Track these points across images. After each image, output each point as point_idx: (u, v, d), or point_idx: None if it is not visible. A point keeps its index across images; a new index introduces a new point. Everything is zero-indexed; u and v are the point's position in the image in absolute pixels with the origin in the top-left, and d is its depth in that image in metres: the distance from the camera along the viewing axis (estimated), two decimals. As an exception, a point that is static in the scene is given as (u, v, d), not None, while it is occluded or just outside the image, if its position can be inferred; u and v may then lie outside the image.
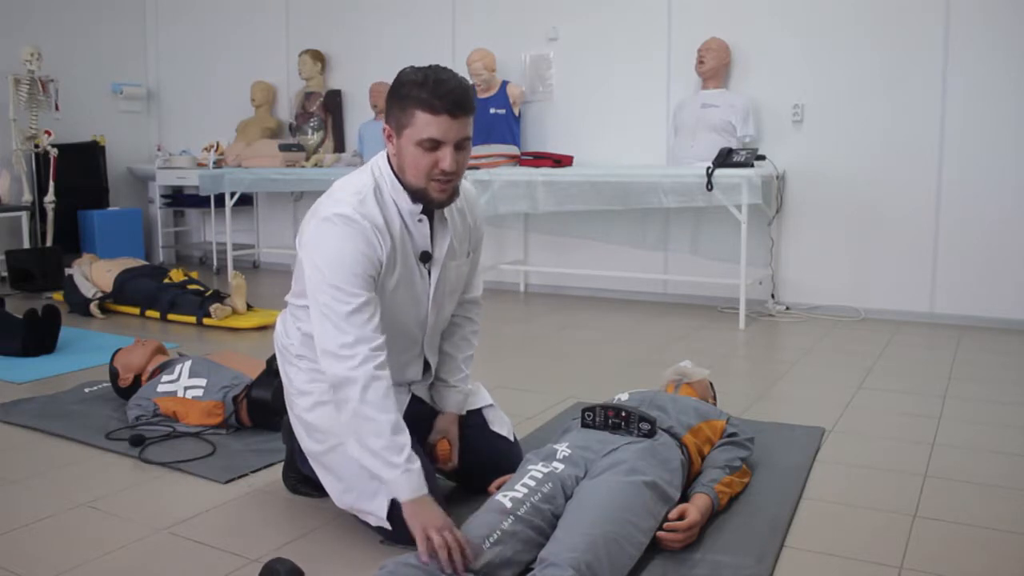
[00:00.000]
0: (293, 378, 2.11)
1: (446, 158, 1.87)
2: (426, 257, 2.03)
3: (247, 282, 4.82)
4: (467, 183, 2.16)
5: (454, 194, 1.97)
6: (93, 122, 7.04)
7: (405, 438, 1.83)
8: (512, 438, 2.29)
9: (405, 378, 2.15)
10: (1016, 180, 4.44)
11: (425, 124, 1.85)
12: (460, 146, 1.90)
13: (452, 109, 1.84)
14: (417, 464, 1.83)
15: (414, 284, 2.03)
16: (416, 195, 1.95)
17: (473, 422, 2.23)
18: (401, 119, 1.89)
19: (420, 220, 2.00)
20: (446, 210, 2.05)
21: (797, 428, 2.83)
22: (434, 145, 1.87)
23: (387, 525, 1.95)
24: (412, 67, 1.91)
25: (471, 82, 5.60)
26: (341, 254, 1.87)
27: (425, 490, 1.81)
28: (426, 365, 2.19)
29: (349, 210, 1.90)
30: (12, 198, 6.25)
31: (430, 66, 1.90)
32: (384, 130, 1.97)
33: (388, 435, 1.81)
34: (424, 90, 1.84)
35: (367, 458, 1.83)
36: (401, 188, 1.96)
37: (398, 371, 2.08)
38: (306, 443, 2.10)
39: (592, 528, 1.74)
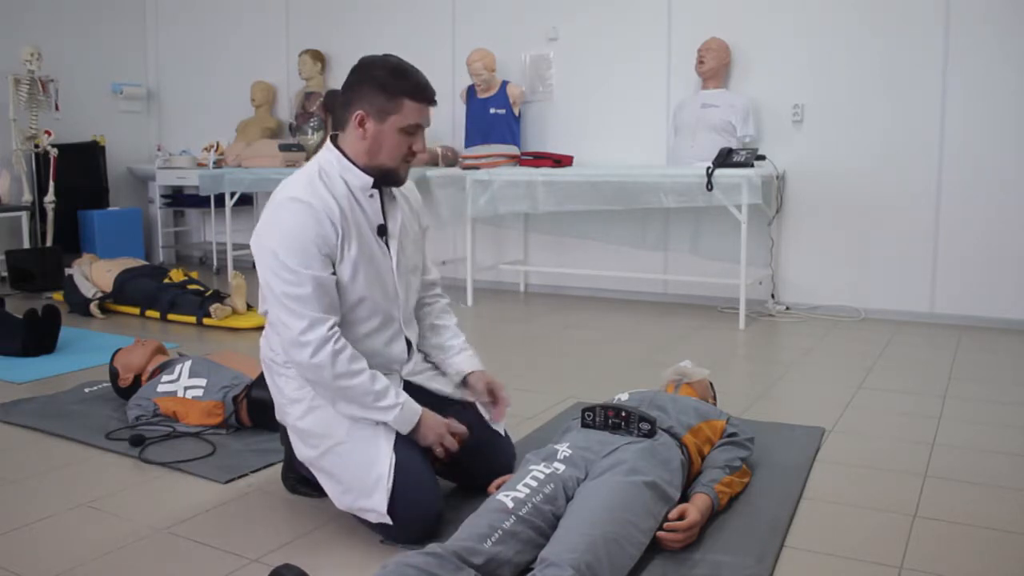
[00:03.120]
0: (283, 388, 2.13)
1: (419, 141, 2.08)
2: (382, 231, 2.12)
3: (247, 282, 4.82)
4: (411, 182, 2.29)
5: (408, 173, 2.16)
6: (93, 122, 7.04)
7: (383, 382, 2.01)
8: (504, 433, 2.31)
9: (392, 357, 2.17)
10: (1016, 180, 4.44)
11: (413, 112, 2.04)
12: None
13: (432, 99, 2.08)
14: (404, 395, 2.03)
15: (375, 259, 2.10)
16: (381, 174, 2.08)
17: (470, 418, 2.23)
18: (386, 106, 2.02)
19: (371, 196, 2.10)
20: (395, 190, 2.18)
21: (797, 428, 2.83)
22: (414, 130, 2.06)
23: (387, 520, 1.97)
24: (373, 56, 2.08)
25: (471, 82, 5.63)
26: (293, 232, 1.98)
27: (420, 410, 2.04)
28: (409, 346, 2.21)
29: (298, 192, 2.02)
30: (12, 198, 6.25)
31: (388, 55, 2.08)
32: (356, 116, 2.04)
33: (371, 389, 1.98)
34: (407, 81, 2.03)
35: (361, 412, 2.00)
36: (351, 165, 2.08)
37: (383, 350, 2.14)
38: (301, 451, 2.12)
39: (592, 528, 1.74)
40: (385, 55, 2.08)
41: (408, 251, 2.20)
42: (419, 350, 2.29)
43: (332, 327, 1.98)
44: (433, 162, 5.54)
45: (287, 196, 2.01)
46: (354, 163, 2.08)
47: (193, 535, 2.07)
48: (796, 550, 1.98)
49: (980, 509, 2.20)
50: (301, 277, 1.96)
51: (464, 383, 2.28)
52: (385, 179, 2.10)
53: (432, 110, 2.09)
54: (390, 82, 2.01)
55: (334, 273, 2.02)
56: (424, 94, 2.04)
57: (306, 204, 1.99)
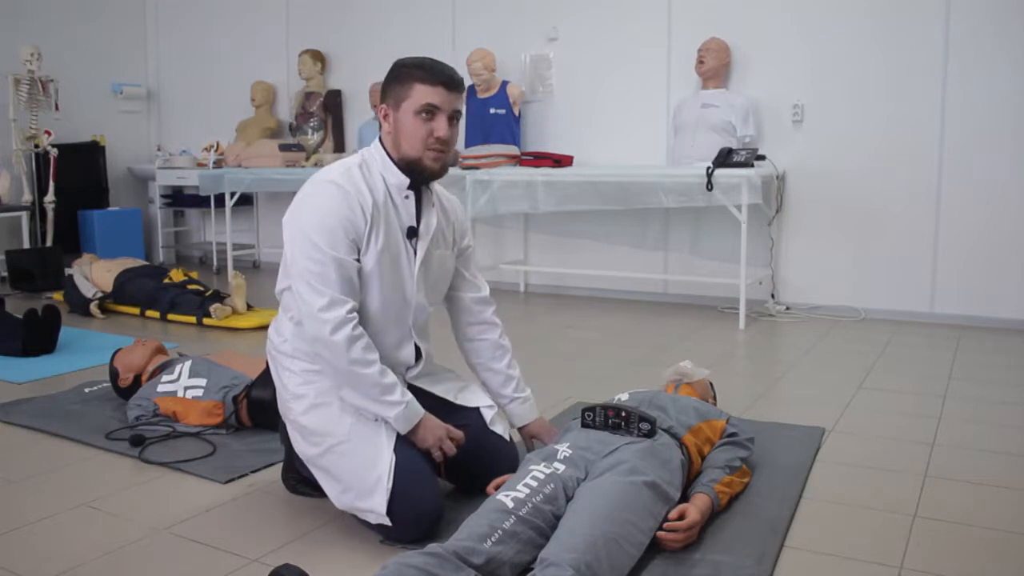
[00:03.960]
0: (287, 383, 2.13)
1: (441, 126, 2.05)
2: (412, 233, 2.12)
3: (247, 282, 4.82)
4: (454, 197, 2.33)
5: (445, 167, 2.12)
6: (93, 122, 7.04)
7: (392, 377, 2.03)
8: (509, 438, 2.30)
9: (399, 360, 2.17)
10: (1016, 180, 4.44)
11: (423, 93, 2.03)
12: (452, 120, 2.08)
13: (447, 82, 2.05)
14: (409, 394, 2.05)
15: (399, 260, 2.11)
16: (410, 168, 2.09)
17: (473, 421, 2.24)
18: (400, 93, 2.06)
19: (407, 197, 2.12)
20: (434, 198, 2.18)
21: (797, 428, 2.83)
22: (431, 113, 2.04)
23: (387, 521, 1.97)
24: (408, 56, 2.12)
25: (471, 82, 5.62)
26: (323, 212, 2.01)
27: (422, 411, 2.06)
28: (418, 351, 2.22)
29: (334, 176, 2.06)
30: (12, 198, 6.24)
31: (424, 57, 2.11)
32: (380, 110, 2.10)
33: (379, 382, 1.99)
34: (421, 69, 2.06)
35: (365, 403, 2.01)
36: (391, 164, 2.10)
37: (391, 352, 2.14)
38: (302, 447, 2.12)
39: (592, 528, 1.74)
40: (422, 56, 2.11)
41: (434, 260, 2.19)
42: (430, 356, 2.28)
43: (351, 311, 2.00)
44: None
45: (323, 179, 2.06)
46: (394, 162, 2.10)
47: (193, 535, 2.07)
48: (796, 550, 1.98)
49: (980, 509, 2.20)
50: (325, 256, 1.98)
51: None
52: (415, 173, 2.09)
53: (453, 96, 2.05)
54: (404, 72, 2.06)
55: (358, 260, 2.04)
56: (436, 77, 2.03)
57: (339, 187, 2.02)
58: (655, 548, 1.91)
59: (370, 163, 2.11)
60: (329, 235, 1.99)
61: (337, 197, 2.01)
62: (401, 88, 2.05)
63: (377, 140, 2.15)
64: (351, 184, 2.03)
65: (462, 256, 2.33)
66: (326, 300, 1.97)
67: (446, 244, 2.24)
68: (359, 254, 2.04)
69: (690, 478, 2.16)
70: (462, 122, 5.91)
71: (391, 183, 2.10)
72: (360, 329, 2.01)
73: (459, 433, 2.12)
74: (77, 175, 6.68)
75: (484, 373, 2.39)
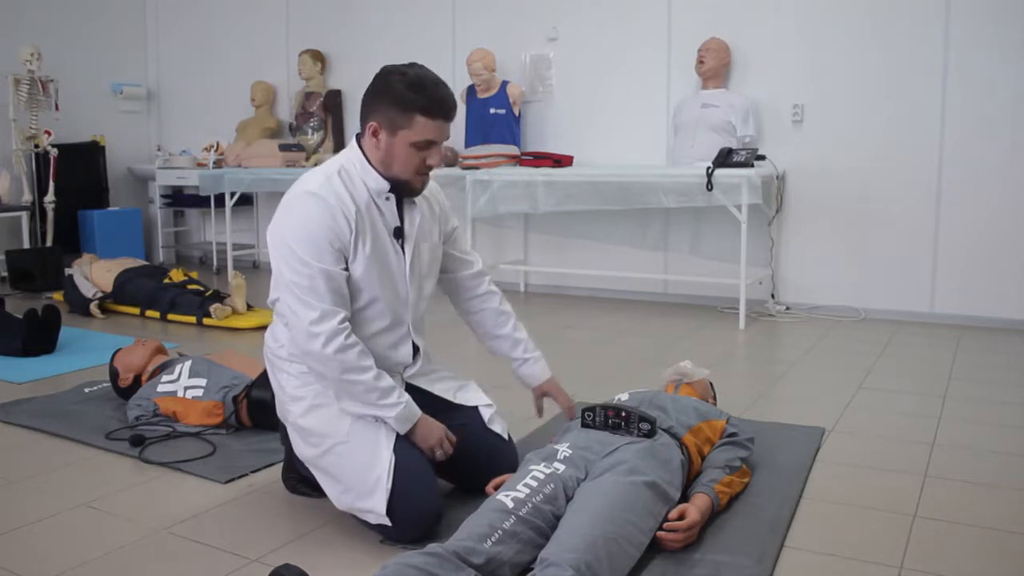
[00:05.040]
0: (285, 385, 2.13)
1: (436, 157, 2.06)
2: (398, 233, 2.12)
3: (247, 282, 4.82)
4: (432, 181, 2.28)
5: (427, 182, 2.14)
6: (93, 122, 7.03)
7: (388, 380, 2.02)
8: (507, 437, 2.30)
9: (397, 360, 2.18)
10: (1016, 180, 4.44)
11: (424, 127, 2.00)
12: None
13: (447, 115, 2.03)
14: (406, 395, 2.05)
15: (389, 260, 2.11)
16: (397, 184, 2.08)
17: (471, 421, 2.24)
18: (398, 120, 2.01)
19: (388, 199, 2.10)
20: None
21: (797, 428, 2.83)
22: (427, 145, 2.03)
23: (387, 521, 1.97)
24: (394, 67, 2.04)
25: (471, 82, 5.63)
26: (307, 226, 1.99)
27: (419, 412, 2.06)
28: (415, 349, 2.21)
29: (314, 187, 2.03)
30: (12, 198, 6.24)
31: (411, 65, 2.05)
32: (369, 127, 2.05)
33: (376, 386, 1.99)
34: (422, 96, 1.99)
35: (364, 409, 2.01)
36: (371, 169, 2.08)
37: (389, 352, 2.15)
38: (301, 449, 2.12)
39: (592, 528, 1.74)
40: (409, 64, 2.05)
41: (424, 256, 2.19)
42: (427, 354, 2.28)
43: (343, 321, 1.99)
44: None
45: (303, 190, 2.03)
46: (373, 167, 2.08)
47: (193, 535, 2.07)
48: (796, 550, 1.98)
49: (980, 509, 2.20)
50: (312, 269, 1.97)
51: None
52: (400, 189, 2.09)
53: (448, 126, 2.04)
54: (405, 96, 1.98)
55: (346, 269, 2.03)
56: (439, 110, 2.00)
57: (320, 198, 2.00)
58: (655, 548, 1.91)
59: (349, 168, 2.07)
60: (314, 247, 1.97)
61: (317, 208, 1.99)
62: (401, 116, 1.99)
63: (354, 143, 2.11)
64: (332, 194, 2.01)
65: (450, 238, 2.33)
66: (317, 313, 1.96)
67: (432, 236, 2.24)
68: (346, 263, 2.03)
69: (690, 478, 2.17)
70: (461, 122, 5.97)
71: (371, 187, 2.07)
72: (353, 337, 2.00)
73: (452, 436, 2.13)
74: (77, 175, 6.68)
75: (491, 341, 2.40)
